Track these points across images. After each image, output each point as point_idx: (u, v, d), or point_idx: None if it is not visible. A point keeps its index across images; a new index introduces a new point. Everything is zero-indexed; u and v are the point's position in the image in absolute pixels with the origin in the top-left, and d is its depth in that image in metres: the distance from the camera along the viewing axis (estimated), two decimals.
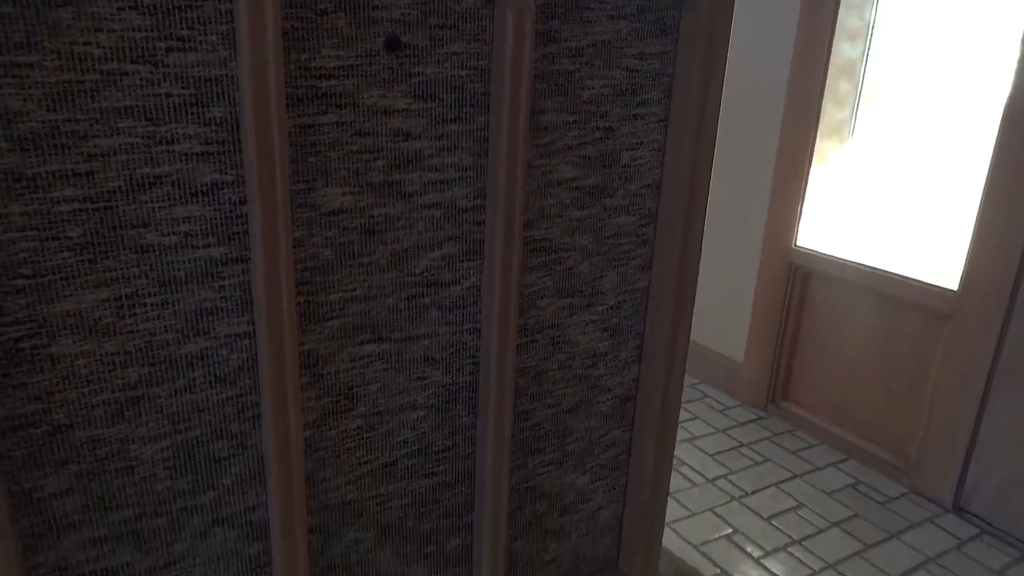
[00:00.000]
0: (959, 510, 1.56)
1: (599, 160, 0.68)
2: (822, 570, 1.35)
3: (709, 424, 1.89)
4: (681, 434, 1.83)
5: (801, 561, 1.37)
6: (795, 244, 1.86)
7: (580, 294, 0.71)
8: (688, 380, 2.15)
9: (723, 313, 2.05)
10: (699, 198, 0.72)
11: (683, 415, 1.94)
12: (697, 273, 0.75)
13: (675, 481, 1.63)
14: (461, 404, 0.68)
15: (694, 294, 0.76)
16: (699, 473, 1.66)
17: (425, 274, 0.62)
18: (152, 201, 0.49)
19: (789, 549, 1.41)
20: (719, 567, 1.35)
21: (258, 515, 0.60)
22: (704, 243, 2.10)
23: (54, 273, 0.47)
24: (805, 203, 1.83)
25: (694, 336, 2.17)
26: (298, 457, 0.59)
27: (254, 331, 0.55)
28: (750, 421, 1.92)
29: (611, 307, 0.74)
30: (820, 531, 1.47)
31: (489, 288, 0.64)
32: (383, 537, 0.67)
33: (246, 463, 0.58)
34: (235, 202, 0.52)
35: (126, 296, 0.50)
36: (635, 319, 0.76)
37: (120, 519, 0.54)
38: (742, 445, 1.79)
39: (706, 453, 1.75)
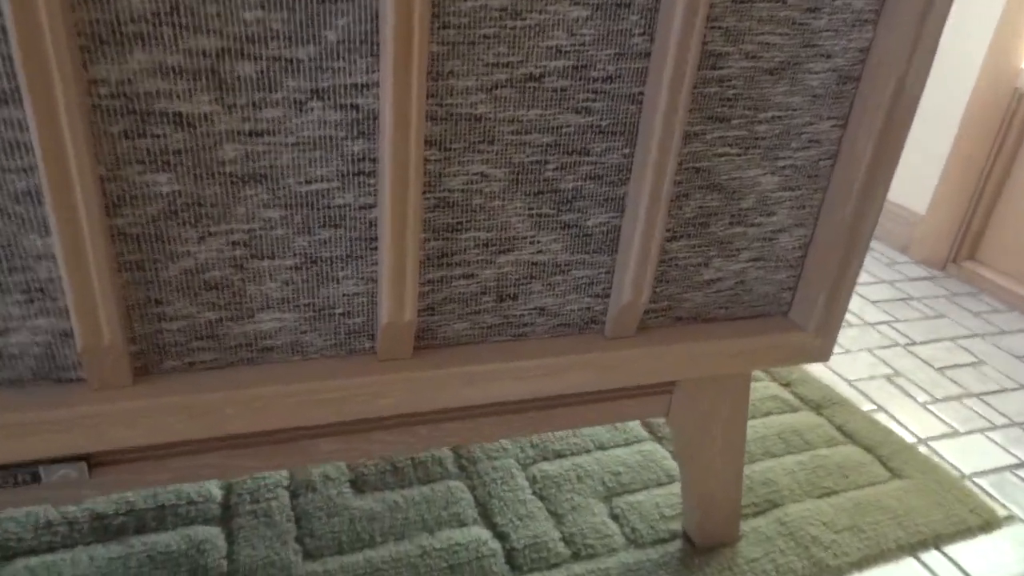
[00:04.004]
0: None
1: None
2: (1004, 426, 1.13)
3: (872, 274, 1.64)
4: None
5: (978, 413, 1.16)
6: None
7: None
8: None
9: (909, 155, 1.73)
10: None
11: None
12: None
13: None
14: (636, 15, 0.51)
15: None
16: (856, 315, 1.44)
17: None
18: None
19: (964, 400, 1.19)
20: (875, 403, 1.15)
21: (366, 101, 0.47)
22: None
23: None
24: None
25: None
26: (423, 21, 0.44)
27: None
28: (923, 278, 1.65)
29: None
30: (1004, 390, 1.23)
31: None
32: (514, 182, 0.53)
33: (354, 17, 0.44)
34: None
35: None
36: None
37: (198, 49, 0.42)
38: (911, 298, 1.54)
39: (866, 299, 1.52)
